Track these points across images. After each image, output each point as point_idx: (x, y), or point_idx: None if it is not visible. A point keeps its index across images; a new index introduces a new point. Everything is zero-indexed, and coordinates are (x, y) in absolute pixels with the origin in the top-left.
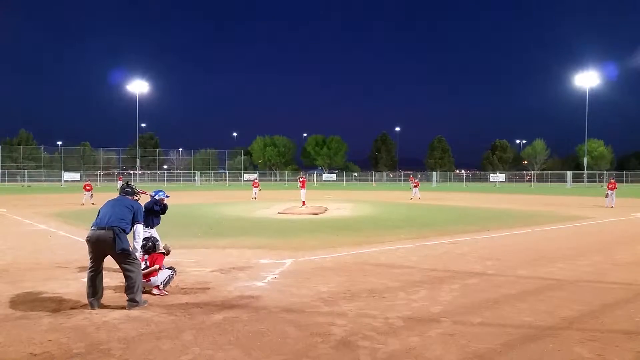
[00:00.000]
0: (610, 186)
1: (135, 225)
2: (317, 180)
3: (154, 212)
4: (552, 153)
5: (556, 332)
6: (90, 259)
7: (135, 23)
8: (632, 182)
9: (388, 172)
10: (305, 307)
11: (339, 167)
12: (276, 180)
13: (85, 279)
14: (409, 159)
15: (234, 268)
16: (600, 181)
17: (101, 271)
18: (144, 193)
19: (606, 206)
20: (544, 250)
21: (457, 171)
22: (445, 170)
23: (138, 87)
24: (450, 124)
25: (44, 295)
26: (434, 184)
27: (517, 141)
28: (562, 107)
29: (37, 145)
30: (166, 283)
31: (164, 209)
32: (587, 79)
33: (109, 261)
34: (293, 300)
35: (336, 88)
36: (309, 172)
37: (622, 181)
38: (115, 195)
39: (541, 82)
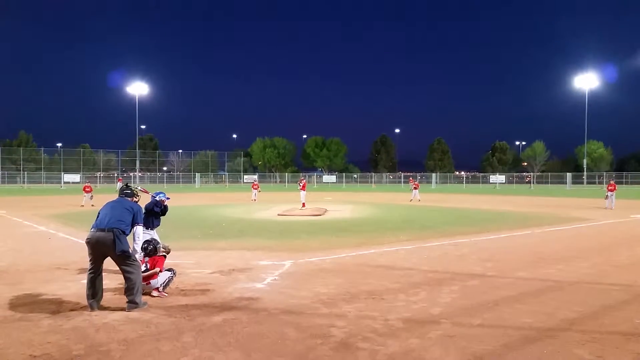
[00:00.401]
0: (610, 188)
1: (135, 227)
2: (316, 182)
3: (154, 214)
4: (551, 155)
5: (556, 334)
6: (90, 260)
7: (136, 24)
8: (631, 183)
9: (388, 173)
10: (305, 309)
11: (339, 168)
12: (276, 182)
13: (85, 281)
14: (409, 161)
15: (233, 270)
16: (599, 183)
17: (101, 273)
18: (146, 192)
19: (606, 208)
20: (543, 251)
21: (457, 173)
22: (445, 172)
23: (137, 89)
24: (449, 125)
25: (43, 296)
26: (433, 185)
27: (517, 143)
28: (562, 109)
29: (36, 147)
30: (166, 285)
31: (164, 210)
32: (587, 81)
33: (108, 263)
34: (293, 301)
35: (336, 89)
36: (309, 173)
37: (621, 183)
38: (114, 197)
39: (541, 84)
